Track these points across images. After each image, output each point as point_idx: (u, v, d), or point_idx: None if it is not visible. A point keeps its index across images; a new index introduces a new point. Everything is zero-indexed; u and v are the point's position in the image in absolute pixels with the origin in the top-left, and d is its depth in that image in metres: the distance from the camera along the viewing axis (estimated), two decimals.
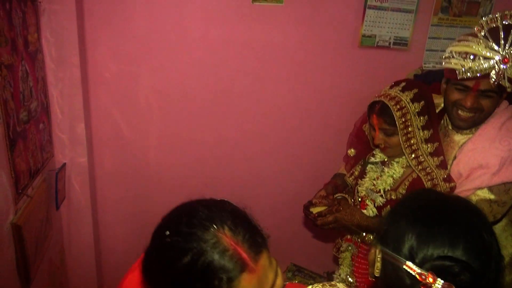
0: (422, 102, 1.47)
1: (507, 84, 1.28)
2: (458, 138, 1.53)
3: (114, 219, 2.41)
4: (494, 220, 1.42)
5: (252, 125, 2.38)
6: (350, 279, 1.75)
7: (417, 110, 1.46)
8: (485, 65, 1.27)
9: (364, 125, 1.70)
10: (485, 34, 1.27)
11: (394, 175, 1.57)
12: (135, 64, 2.15)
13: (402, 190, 1.55)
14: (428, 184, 1.48)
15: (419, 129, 1.47)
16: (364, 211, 1.63)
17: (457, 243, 0.75)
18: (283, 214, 2.55)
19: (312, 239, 2.68)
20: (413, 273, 0.75)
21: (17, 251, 1.52)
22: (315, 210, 1.67)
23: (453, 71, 1.36)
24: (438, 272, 0.73)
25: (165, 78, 2.21)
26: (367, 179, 1.65)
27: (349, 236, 1.76)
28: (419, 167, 1.50)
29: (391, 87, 1.53)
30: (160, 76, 2.20)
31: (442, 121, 1.61)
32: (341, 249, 1.81)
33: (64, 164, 2.04)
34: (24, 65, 1.61)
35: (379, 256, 0.86)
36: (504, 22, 1.25)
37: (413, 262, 0.76)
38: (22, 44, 1.59)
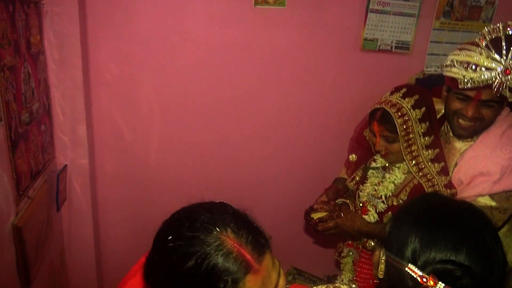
0: (423, 109, 1.47)
1: (508, 94, 1.28)
2: (459, 145, 1.52)
3: (114, 221, 2.41)
4: (495, 227, 1.42)
5: (253, 127, 2.38)
6: (353, 285, 1.74)
7: (418, 117, 1.46)
8: (487, 76, 1.26)
9: (364, 131, 1.69)
10: (487, 44, 1.27)
11: (396, 181, 1.57)
12: (136, 66, 2.15)
13: (403, 196, 1.55)
14: (429, 191, 1.47)
15: (420, 136, 1.47)
16: (366, 216, 1.63)
17: (460, 247, 0.75)
18: (284, 217, 2.54)
19: (313, 243, 2.68)
20: (415, 276, 0.75)
21: (17, 252, 1.52)
22: (316, 215, 1.66)
23: (454, 79, 1.35)
24: (439, 276, 0.74)
25: (167, 80, 2.21)
26: (368, 184, 1.65)
27: (350, 241, 1.75)
28: (420, 173, 1.49)
29: (392, 93, 1.52)
30: (161, 78, 2.20)
31: (443, 127, 1.61)
32: (342, 254, 1.81)
33: (65, 166, 2.04)
34: (27, 66, 1.61)
35: (383, 258, 0.86)
36: (506, 33, 1.24)
37: (415, 265, 0.76)
38: (25, 46, 1.60)
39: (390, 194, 1.57)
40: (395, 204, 1.56)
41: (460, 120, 1.45)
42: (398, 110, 1.45)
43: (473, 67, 1.28)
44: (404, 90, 1.50)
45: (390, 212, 1.57)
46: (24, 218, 1.53)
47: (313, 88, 2.35)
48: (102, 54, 2.09)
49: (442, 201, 0.92)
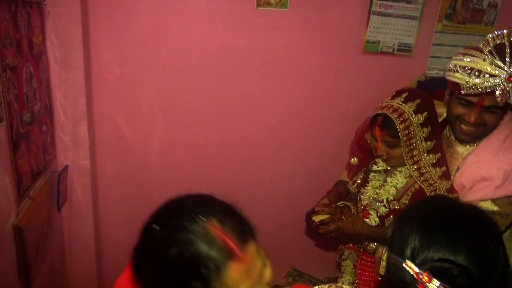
0: (425, 113, 1.45)
1: (511, 101, 1.28)
2: (462, 149, 1.51)
3: (115, 222, 2.41)
4: (500, 231, 1.41)
5: (254, 129, 2.38)
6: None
7: (420, 122, 1.44)
8: (490, 82, 1.26)
9: (365, 134, 1.68)
10: (490, 50, 1.26)
11: (397, 185, 1.56)
12: (138, 67, 2.15)
13: (405, 200, 1.54)
14: (431, 195, 1.46)
15: (421, 141, 1.46)
16: (367, 220, 1.62)
17: (460, 248, 0.76)
18: (285, 219, 2.54)
19: (314, 245, 2.67)
20: (412, 272, 0.76)
21: (18, 253, 1.52)
22: (317, 218, 1.66)
23: (457, 84, 1.35)
24: (436, 273, 0.74)
25: (168, 82, 2.21)
26: (370, 187, 1.64)
27: (351, 244, 1.75)
28: (421, 178, 1.49)
29: (393, 97, 1.51)
30: (163, 80, 2.20)
31: (445, 131, 1.60)
32: (343, 256, 1.81)
33: (67, 166, 2.04)
34: (29, 67, 1.61)
35: (384, 255, 0.87)
36: (511, 39, 1.24)
37: (414, 263, 0.77)
38: (27, 46, 1.60)
39: (392, 198, 1.56)
40: (396, 208, 1.55)
41: (462, 125, 1.44)
42: (400, 115, 1.44)
43: (477, 73, 1.27)
44: (405, 94, 1.49)
45: (391, 216, 1.56)
46: (25, 219, 1.53)
47: (315, 89, 2.35)
48: (104, 55, 2.09)
49: (447, 203, 0.92)
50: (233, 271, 0.74)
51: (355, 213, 1.68)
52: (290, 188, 2.52)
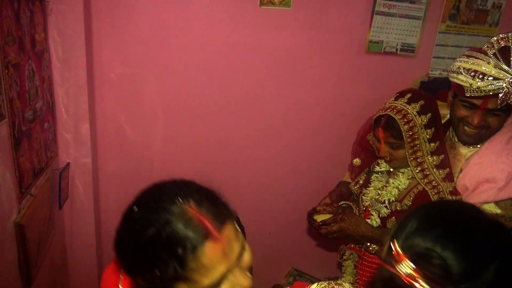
0: (429, 114, 1.45)
1: None
2: (465, 151, 1.51)
3: (116, 220, 2.37)
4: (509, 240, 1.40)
5: (257, 128, 2.38)
6: None
7: (424, 123, 1.44)
8: (494, 85, 1.25)
9: (368, 134, 1.67)
10: (495, 53, 1.25)
11: (400, 186, 1.55)
12: (140, 65, 2.15)
13: (407, 202, 1.53)
14: (434, 198, 1.45)
15: (425, 142, 1.45)
16: (368, 220, 1.61)
17: (448, 245, 0.75)
18: (285, 219, 2.54)
19: (315, 245, 2.67)
20: (393, 251, 0.77)
21: (19, 250, 1.52)
22: (319, 218, 1.65)
23: (460, 86, 1.34)
24: (416, 257, 0.74)
25: (170, 80, 2.20)
26: (372, 188, 1.64)
27: (352, 245, 1.75)
28: (425, 180, 1.48)
29: (396, 98, 1.50)
30: (165, 79, 2.20)
31: (448, 133, 1.59)
32: (344, 257, 1.80)
33: (68, 164, 2.04)
34: (31, 64, 1.61)
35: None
36: None
37: (401, 246, 0.78)
38: (29, 43, 1.59)
39: (394, 199, 1.56)
40: (398, 209, 1.54)
41: (466, 127, 1.43)
42: (404, 116, 1.43)
43: (481, 76, 1.26)
44: (409, 95, 1.48)
45: (393, 217, 1.56)
46: (26, 216, 1.53)
47: (317, 89, 2.34)
48: (106, 53, 2.09)
49: (467, 209, 0.89)
50: (210, 251, 0.74)
51: (357, 214, 1.67)
52: (291, 188, 2.52)
